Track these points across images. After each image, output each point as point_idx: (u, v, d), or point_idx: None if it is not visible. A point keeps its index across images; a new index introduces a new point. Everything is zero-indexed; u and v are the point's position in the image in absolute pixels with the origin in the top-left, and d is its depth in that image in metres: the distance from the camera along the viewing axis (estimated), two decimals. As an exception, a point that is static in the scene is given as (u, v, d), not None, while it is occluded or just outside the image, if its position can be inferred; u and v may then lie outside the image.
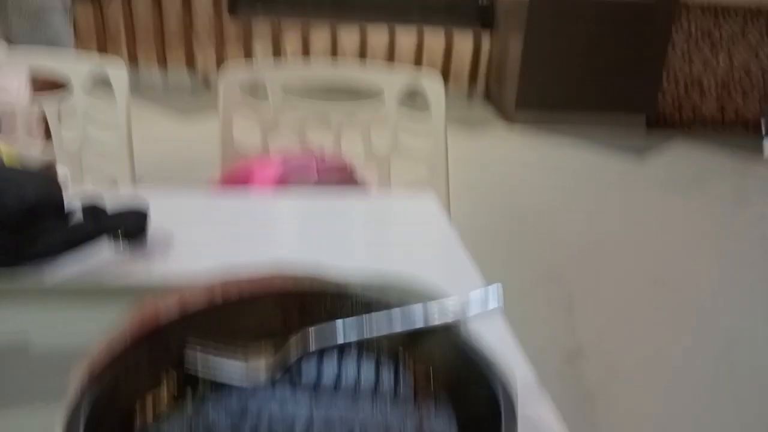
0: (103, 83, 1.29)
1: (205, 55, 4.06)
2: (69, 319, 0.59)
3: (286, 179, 1.07)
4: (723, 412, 1.62)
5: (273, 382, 0.49)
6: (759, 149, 3.47)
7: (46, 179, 0.72)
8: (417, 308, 0.51)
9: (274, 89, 1.31)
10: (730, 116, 3.90)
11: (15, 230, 0.65)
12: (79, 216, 0.70)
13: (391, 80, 1.32)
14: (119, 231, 0.70)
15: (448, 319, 0.50)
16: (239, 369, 0.49)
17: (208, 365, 0.48)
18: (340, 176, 1.13)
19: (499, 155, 3.37)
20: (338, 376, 0.50)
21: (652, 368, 1.76)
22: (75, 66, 1.29)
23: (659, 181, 3.12)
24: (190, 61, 4.09)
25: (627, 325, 1.95)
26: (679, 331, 1.94)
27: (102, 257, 0.70)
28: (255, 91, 1.35)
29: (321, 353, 0.52)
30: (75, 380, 0.41)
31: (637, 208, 2.78)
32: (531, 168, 3.21)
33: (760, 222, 2.75)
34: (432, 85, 1.31)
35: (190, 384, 0.47)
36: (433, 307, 0.50)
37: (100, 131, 1.35)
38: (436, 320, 0.50)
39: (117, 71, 1.27)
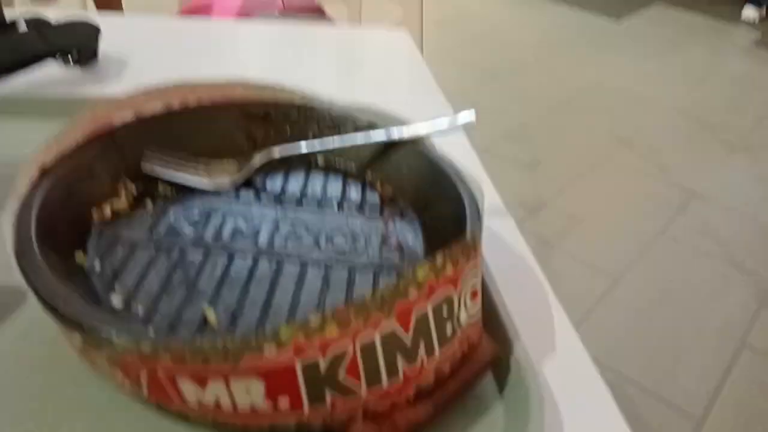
0: None
1: None
2: (16, 132, 0.55)
3: (248, 11, 1.00)
4: (676, 262, 1.70)
5: (237, 192, 0.47)
6: (738, 15, 3.40)
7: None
8: (385, 127, 0.49)
9: None
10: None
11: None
12: (23, 28, 0.64)
13: None
14: (68, 48, 0.65)
15: (419, 133, 0.48)
16: (201, 179, 0.47)
17: (169, 173, 0.47)
18: (307, 10, 1.06)
19: (473, 12, 3.24)
20: (304, 190, 0.49)
21: (612, 222, 1.82)
22: None
23: (634, 43, 3.06)
24: None
25: (590, 182, 1.99)
26: (640, 189, 1.99)
27: (51, 75, 0.65)
28: None
29: (287, 171, 0.50)
30: (24, 175, 0.39)
31: (610, 69, 2.75)
32: (504, 26, 3.10)
33: (731, 84, 2.76)
34: None
35: (149, 195, 0.46)
36: (403, 126, 0.49)
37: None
38: (406, 135, 0.48)
39: None
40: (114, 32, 0.70)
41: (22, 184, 0.39)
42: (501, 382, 0.38)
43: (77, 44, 0.65)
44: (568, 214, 1.83)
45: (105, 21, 0.69)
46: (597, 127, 2.30)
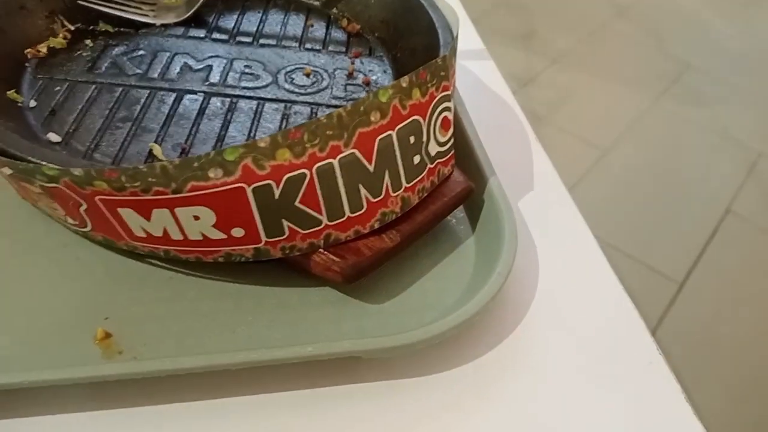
0: None
1: None
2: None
3: None
4: (667, 133, 1.67)
5: (186, 30, 0.43)
6: None
7: None
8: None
9: None
10: None
11: None
12: None
13: None
14: None
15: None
16: (145, 14, 0.43)
17: (109, 8, 0.42)
18: None
19: None
20: (261, 27, 0.44)
21: (604, 94, 1.78)
22: None
23: None
24: None
25: (584, 53, 1.92)
26: (635, 60, 1.93)
27: None
28: None
29: (242, 10, 0.46)
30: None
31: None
32: None
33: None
34: None
35: (88, 35, 0.41)
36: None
37: None
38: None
39: None
40: None
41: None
42: (474, 218, 0.36)
43: None
44: (559, 88, 1.77)
45: None
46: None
